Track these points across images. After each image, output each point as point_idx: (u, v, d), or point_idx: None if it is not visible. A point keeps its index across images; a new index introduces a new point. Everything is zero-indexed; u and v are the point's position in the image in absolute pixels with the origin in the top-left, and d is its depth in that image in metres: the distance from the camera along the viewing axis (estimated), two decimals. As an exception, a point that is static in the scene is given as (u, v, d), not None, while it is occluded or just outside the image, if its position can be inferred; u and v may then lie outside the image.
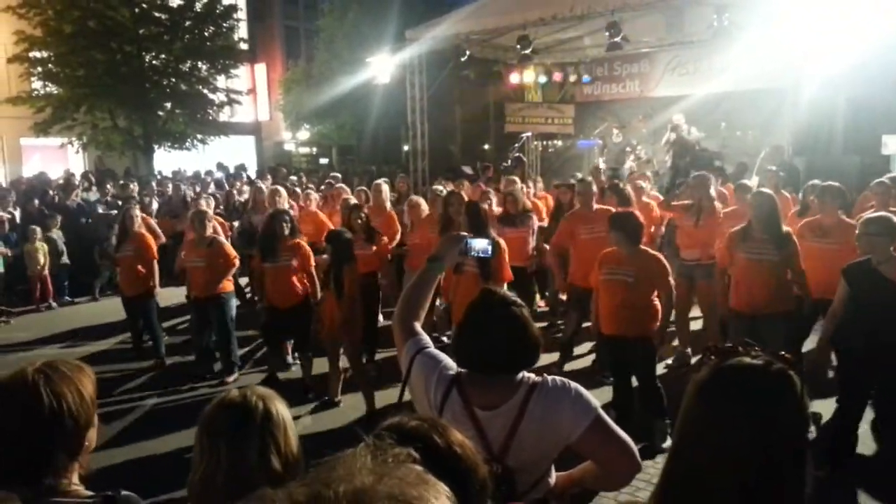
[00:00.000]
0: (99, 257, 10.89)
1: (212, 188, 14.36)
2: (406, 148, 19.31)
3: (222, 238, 7.36)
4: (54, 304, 10.57)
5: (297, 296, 6.55)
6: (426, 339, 2.31)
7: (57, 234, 10.79)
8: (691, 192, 7.14)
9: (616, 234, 5.16)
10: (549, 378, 2.14)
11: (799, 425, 1.33)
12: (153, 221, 9.66)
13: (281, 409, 1.79)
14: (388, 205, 9.11)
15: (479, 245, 2.55)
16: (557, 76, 16.60)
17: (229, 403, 1.77)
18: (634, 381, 5.40)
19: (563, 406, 2.05)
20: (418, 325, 2.36)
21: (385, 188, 9.19)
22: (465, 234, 2.62)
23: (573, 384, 2.13)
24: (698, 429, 1.34)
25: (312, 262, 6.60)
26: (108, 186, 13.58)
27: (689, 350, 6.92)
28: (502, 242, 5.78)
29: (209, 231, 6.98)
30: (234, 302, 7.22)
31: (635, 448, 2.07)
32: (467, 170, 17.10)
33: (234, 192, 13.27)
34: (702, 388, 1.37)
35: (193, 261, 6.95)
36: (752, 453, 1.26)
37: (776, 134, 13.00)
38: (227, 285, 7.03)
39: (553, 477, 2.20)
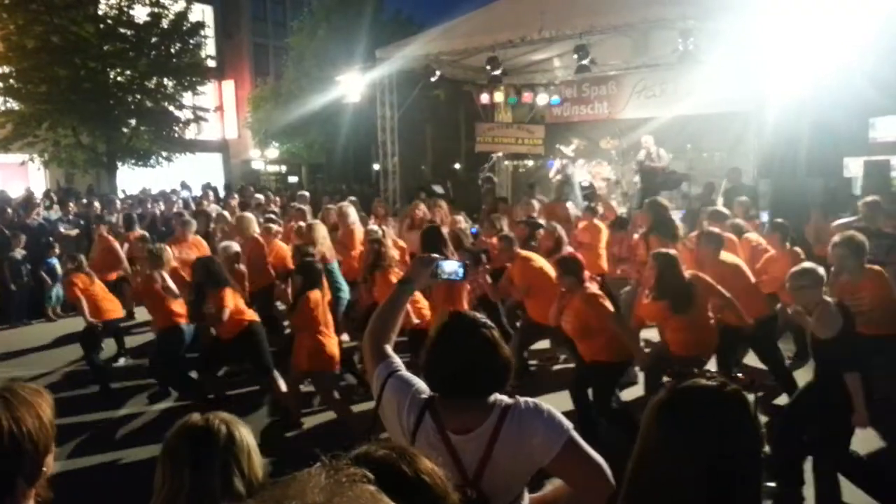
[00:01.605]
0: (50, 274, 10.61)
1: (179, 206, 14.10)
2: (377, 167, 19.26)
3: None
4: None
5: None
6: (397, 361, 2.28)
7: (20, 252, 10.51)
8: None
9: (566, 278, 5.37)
10: (522, 400, 2.11)
11: (750, 442, 1.38)
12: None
13: (244, 433, 1.79)
14: (357, 227, 9.01)
15: (450, 267, 2.53)
16: (527, 97, 16.77)
17: (192, 428, 1.76)
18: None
19: (536, 428, 2.03)
20: (389, 348, 2.34)
21: (352, 211, 9.07)
22: (437, 256, 2.60)
23: (545, 406, 2.10)
24: (655, 447, 1.38)
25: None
26: (71, 205, 13.29)
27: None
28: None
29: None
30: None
31: (608, 468, 2.04)
32: (438, 189, 17.09)
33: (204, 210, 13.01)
34: (659, 409, 1.42)
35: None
36: (706, 470, 1.31)
37: (742, 156, 13.24)
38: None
39: (526, 500, 2.18)
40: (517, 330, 7.31)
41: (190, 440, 1.74)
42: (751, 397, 1.40)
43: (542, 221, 9.43)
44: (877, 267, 5.23)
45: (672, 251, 5.70)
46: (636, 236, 8.18)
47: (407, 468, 1.23)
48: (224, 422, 1.78)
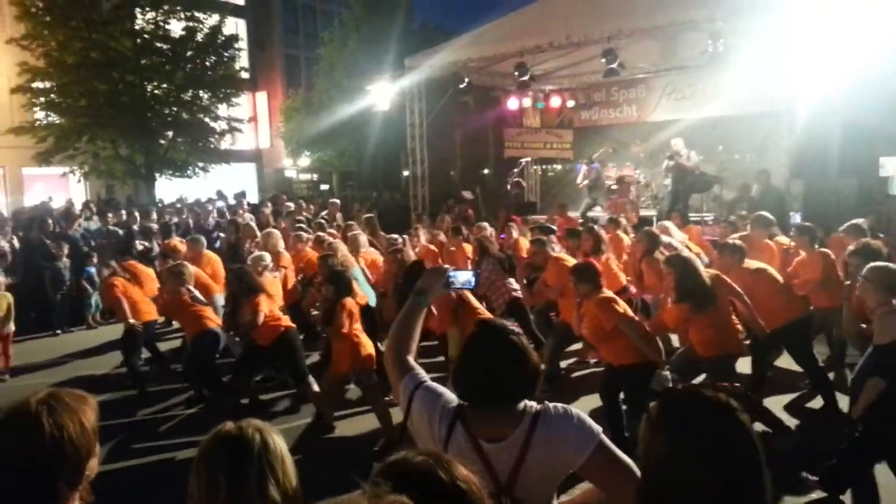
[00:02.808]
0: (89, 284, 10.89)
1: (214, 216, 14.39)
2: (406, 173, 19.40)
3: None
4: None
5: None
6: (422, 372, 2.28)
7: (64, 263, 10.83)
8: None
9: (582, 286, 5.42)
10: (551, 405, 2.11)
11: (747, 450, 1.38)
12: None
13: (278, 440, 1.79)
14: (367, 249, 9.07)
15: (463, 277, 2.58)
16: (556, 101, 16.78)
17: (226, 436, 1.76)
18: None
19: (567, 434, 2.04)
20: (412, 359, 2.34)
21: (363, 239, 9.09)
22: (448, 266, 2.64)
23: (574, 410, 2.11)
24: (654, 456, 1.41)
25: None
26: (110, 215, 13.64)
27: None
28: None
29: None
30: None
31: (637, 470, 2.06)
32: (467, 195, 17.18)
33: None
34: (653, 419, 1.45)
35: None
36: (701, 475, 1.32)
37: (773, 157, 13.08)
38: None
39: None
40: (552, 332, 7.34)
41: (225, 448, 1.74)
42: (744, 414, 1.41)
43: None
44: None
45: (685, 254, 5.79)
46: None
47: (444, 474, 1.24)
48: (258, 429, 1.78)
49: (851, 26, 9.76)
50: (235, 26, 27.04)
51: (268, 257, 7.97)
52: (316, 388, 6.42)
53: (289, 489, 1.74)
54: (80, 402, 1.75)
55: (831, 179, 11.85)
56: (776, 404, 6.14)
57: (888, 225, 9.43)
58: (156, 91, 20.96)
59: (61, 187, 22.42)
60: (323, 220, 11.70)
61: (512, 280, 7.72)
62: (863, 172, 12.20)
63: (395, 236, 9.60)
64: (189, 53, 21.21)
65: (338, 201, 15.02)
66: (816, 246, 6.77)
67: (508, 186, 16.90)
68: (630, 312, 5.48)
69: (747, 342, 5.92)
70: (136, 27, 20.17)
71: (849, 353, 6.82)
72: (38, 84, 19.57)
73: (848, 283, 5.29)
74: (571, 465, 2.04)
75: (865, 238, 6.03)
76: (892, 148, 12.90)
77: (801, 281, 6.57)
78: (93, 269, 10.71)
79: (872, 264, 4.47)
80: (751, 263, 6.18)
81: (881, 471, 4.45)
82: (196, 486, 1.72)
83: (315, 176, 36.48)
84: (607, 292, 5.54)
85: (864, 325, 5.31)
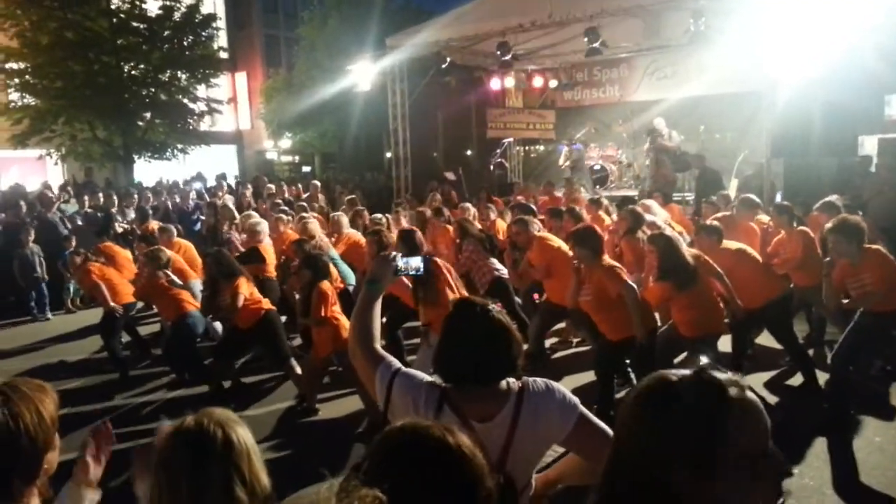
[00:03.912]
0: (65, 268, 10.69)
1: (193, 198, 14.23)
2: (389, 154, 19.28)
3: None
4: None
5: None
6: (394, 360, 2.27)
7: (31, 249, 10.55)
8: None
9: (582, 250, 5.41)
10: (531, 381, 2.13)
11: (729, 434, 1.25)
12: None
13: (242, 434, 1.65)
14: (349, 231, 9.00)
15: (413, 263, 2.58)
16: (538, 81, 16.71)
17: (185, 434, 1.62)
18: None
19: (551, 409, 2.06)
20: (380, 348, 2.33)
21: (344, 220, 9.02)
22: (397, 253, 2.63)
23: (554, 384, 2.15)
24: (626, 431, 1.32)
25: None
26: (86, 198, 13.43)
27: None
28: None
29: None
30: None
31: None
32: (450, 175, 17.12)
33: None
34: (634, 395, 1.35)
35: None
36: (672, 455, 1.22)
37: (754, 136, 13.13)
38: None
39: (533, 479, 2.20)
40: (537, 312, 7.34)
41: (184, 447, 1.60)
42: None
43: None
44: (874, 246, 5.21)
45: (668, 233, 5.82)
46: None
47: (452, 440, 1.25)
48: (220, 424, 1.63)
49: (832, 6, 9.77)
50: (213, 5, 26.64)
51: (265, 224, 7.91)
52: (298, 370, 6.40)
53: (256, 487, 1.61)
54: (38, 391, 1.68)
55: (812, 158, 11.92)
56: (757, 382, 6.20)
57: (867, 203, 9.52)
58: (133, 72, 20.67)
59: (38, 170, 22.07)
60: (304, 203, 11.62)
61: (494, 260, 7.70)
62: (843, 151, 12.29)
63: (379, 216, 9.55)
64: (166, 33, 20.91)
65: (318, 183, 14.91)
66: (795, 224, 6.81)
67: (491, 167, 16.86)
68: None
69: (727, 321, 5.95)
70: (112, 6, 19.84)
71: (828, 330, 6.91)
72: (11, 65, 19.18)
73: (828, 259, 5.31)
74: (556, 438, 2.09)
75: (839, 214, 6.07)
76: (872, 127, 12.99)
77: (782, 260, 6.61)
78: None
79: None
80: (730, 244, 6.20)
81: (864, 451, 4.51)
82: (156, 488, 1.58)
83: (297, 158, 36.18)
84: (609, 260, 5.55)
85: (844, 301, 5.37)
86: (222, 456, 1.59)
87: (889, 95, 13.59)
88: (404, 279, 6.12)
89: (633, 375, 5.91)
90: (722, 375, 1.25)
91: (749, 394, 1.23)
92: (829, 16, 9.83)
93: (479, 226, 8.99)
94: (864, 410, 5.46)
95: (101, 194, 13.84)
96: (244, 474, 1.60)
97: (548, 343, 7.68)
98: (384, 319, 6.99)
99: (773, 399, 5.95)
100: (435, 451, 1.28)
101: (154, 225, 9.84)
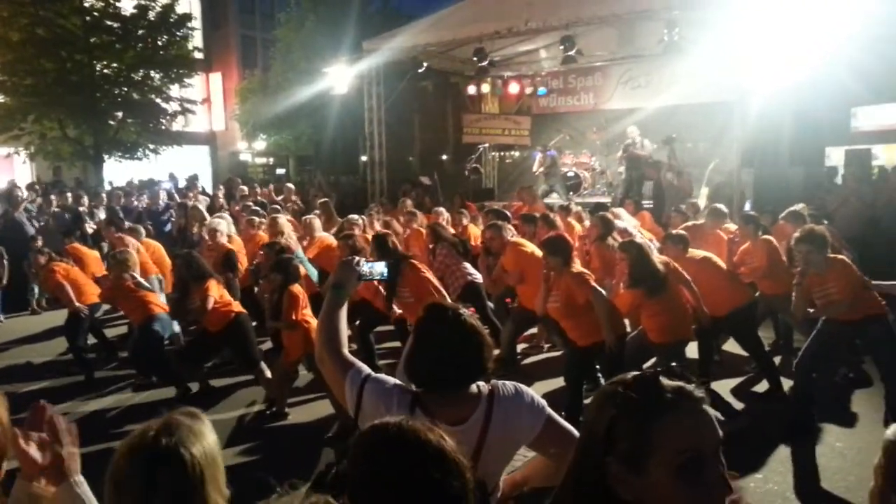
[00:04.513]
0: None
1: (164, 198, 14.04)
2: (364, 158, 19.23)
3: None
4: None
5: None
6: (364, 365, 2.27)
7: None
8: None
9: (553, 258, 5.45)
10: (500, 384, 2.16)
11: (635, 427, 1.26)
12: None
13: (202, 446, 1.54)
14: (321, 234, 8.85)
15: (378, 269, 2.60)
16: (514, 88, 16.80)
17: (139, 449, 1.51)
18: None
19: (521, 412, 2.10)
20: (348, 353, 2.33)
21: (317, 223, 8.86)
22: (360, 258, 2.63)
23: (522, 387, 2.18)
24: (603, 438, 1.32)
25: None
26: (52, 197, 13.20)
27: None
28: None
29: None
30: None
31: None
32: (425, 180, 17.12)
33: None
34: (594, 396, 1.39)
35: None
36: (608, 449, 1.26)
37: (726, 146, 13.31)
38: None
39: (500, 482, 2.22)
40: (510, 318, 7.37)
41: (138, 463, 1.49)
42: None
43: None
44: (840, 256, 5.31)
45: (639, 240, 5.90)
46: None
47: (432, 436, 1.28)
48: (178, 437, 1.52)
49: (804, 18, 9.96)
50: (189, 5, 26.30)
51: (225, 225, 7.87)
52: (268, 374, 6.35)
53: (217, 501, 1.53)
54: None
55: (781, 168, 12.13)
56: (723, 388, 6.28)
57: (833, 213, 9.71)
58: (105, 70, 20.33)
59: (5, 169, 21.66)
60: (278, 206, 11.55)
61: (467, 264, 7.72)
62: (810, 162, 12.52)
63: (356, 216, 9.49)
64: (140, 32, 20.60)
65: (292, 185, 14.84)
66: (760, 233, 6.93)
67: (466, 172, 16.89)
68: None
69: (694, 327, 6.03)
70: (86, 5, 19.47)
71: (795, 337, 7.02)
72: (-20, 62, 18.79)
73: (799, 269, 5.39)
74: (525, 440, 2.13)
75: (805, 224, 6.19)
76: (838, 138, 13.26)
77: (748, 269, 6.71)
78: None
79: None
80: (695, 253, 6.30)
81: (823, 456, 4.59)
82: None
83: (271, 160, 35.91)
84: (578, 266, 5.61)
85: (811, 310, 5.46)
86: (181, 472, 1.49)
87: (855, 108, 13.89)
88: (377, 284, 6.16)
89: (602, 381, 5.96)
90: (668, 381, 1.27)
91: (691, 400, 1.25)
92: (800, 28, 10.02)
93: (453, 230, 9.02)
94: (825, 417, 5.57)
95: (69, 194, 13.61)
96: (205, 492, 1.51)
97: (519, 348, 7.71)
98: (356, 323, 7.00)
99: (738, 405, 6.03)
100: (415, 448, 1.30)
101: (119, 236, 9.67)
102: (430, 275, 6.47)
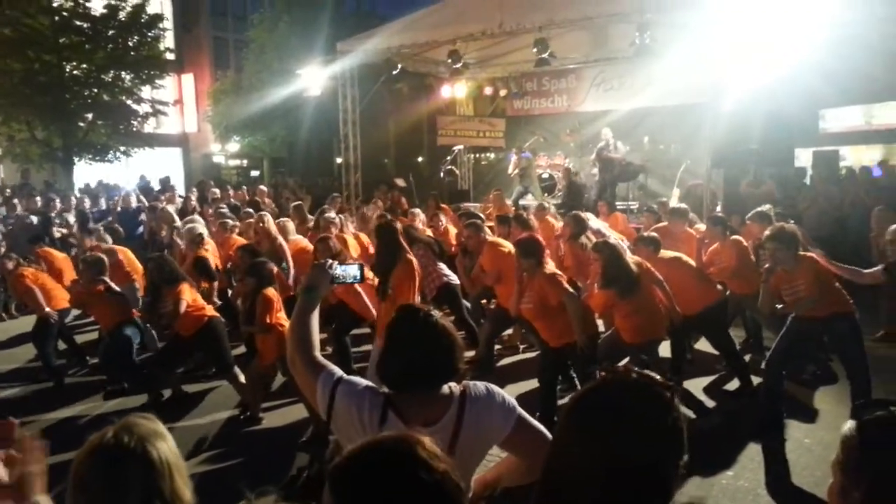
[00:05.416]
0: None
1: (134, 201, 13.85)
2: (339, 160, 19.17)
3: None
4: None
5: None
6: (335, 367, 2.25)
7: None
8: None
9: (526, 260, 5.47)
10: (471, 384, 2.17)
11: (669, 444, 1.30)
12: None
13: (164, 448, 1.56)
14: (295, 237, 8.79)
15: (350, 272, 2.59)
16: (488, 90, 16.84)
17: (101, 449, 1.53)
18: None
19: (493, 412, 2.11)
20: (320, 356, 2.31)
21: (291, 226, 8.80)
22: (332, 261, 2.61)
23: (493, 387, 2.19)
24: (565, 441, 1.36)
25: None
26: (14, 201, 12.97)
27: None
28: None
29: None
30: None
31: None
32: (400, 182, 17.10)
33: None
34: (573, 403, 1.38)
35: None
36: (609, 465, 1.25)
37: (697, 148, 13.47)
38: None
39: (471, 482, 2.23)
40: (487, 318, 7.38)
41: (100, 464, 1.51)
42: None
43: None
44: (809, 254, 5.41)
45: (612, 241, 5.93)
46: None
47: (423, 450, 1.26)
48: (140, 438, 1.54)
49: (774, 21, 10.12)
50: (160, 5, 26.01)
51: (200, 227, 7.79)
52: (242, 378, 6.30)
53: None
54: None
55: (750, 169, 12.29)
56: (696, 386, 6.36)
57: (802, 213, 9.89)
58: (75, 71, 20.05)
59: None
60: (250, 209, 11.43)
61: (443, 265, 7.73)
62: (780, 163, 12.72)
63: (333, 215, 9.43)
64: (110, 32, 20.36)
65: (264, 188, 14.73)
66: (728, 234, 7.03)
67: (441, 174, 16.90)
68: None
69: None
70: (54, 4, 19.20)
71: (764, 335, 7.13)
72: (-55, 62, 18.41)
73: (767, 266, 5.47)
74: (496, 440, 2.14)
75: (771, 224, 6.29)
76: (807, 140, 13.50)
77: (718, 269, 6.82)
78: (5, 259, 10.13)
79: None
80: (665, 253, 6.36)
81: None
82: None
83: (245, 162, 35.60)
84: (552, 267, 5.64)
85: (778, 307, 5.56)
86: (141, 474, 1.51)
87: (823, 110, 14.14)
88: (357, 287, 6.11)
89: (577, 381, 6.01)
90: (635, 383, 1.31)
91: (653, 411, 1.29)
92: (770, 31, 10.18)
93: (430, 232, 9.01)
94: (794, 414, 5.67)
95: (38, 198, 13.37)
96: (164, 492, 1.52)
97: (495, 349, 7.73)
98: (332, 326, 6.97)
99: (710, 403, 6.11)
100: (400, 457, 1.26)
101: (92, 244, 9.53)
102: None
